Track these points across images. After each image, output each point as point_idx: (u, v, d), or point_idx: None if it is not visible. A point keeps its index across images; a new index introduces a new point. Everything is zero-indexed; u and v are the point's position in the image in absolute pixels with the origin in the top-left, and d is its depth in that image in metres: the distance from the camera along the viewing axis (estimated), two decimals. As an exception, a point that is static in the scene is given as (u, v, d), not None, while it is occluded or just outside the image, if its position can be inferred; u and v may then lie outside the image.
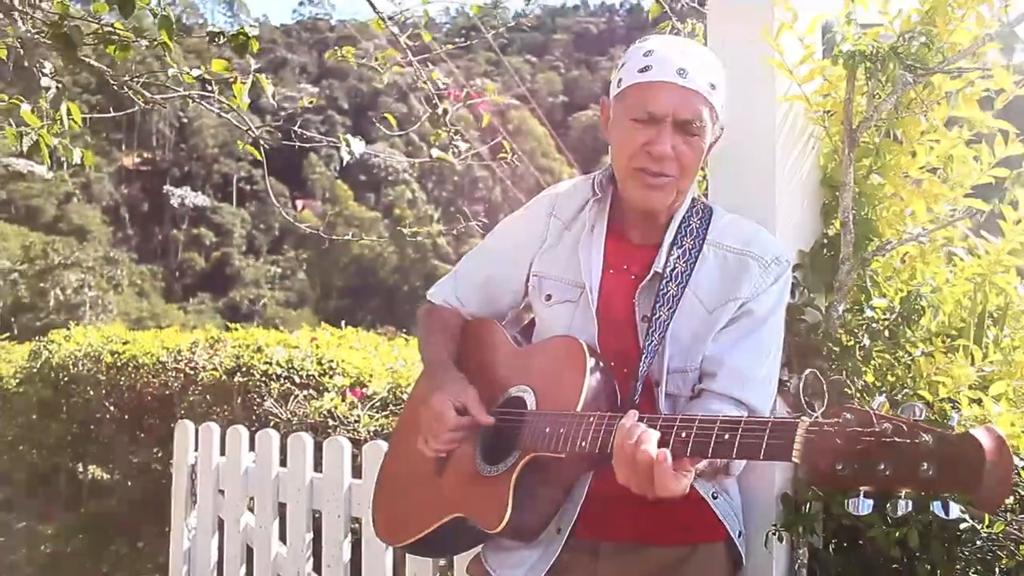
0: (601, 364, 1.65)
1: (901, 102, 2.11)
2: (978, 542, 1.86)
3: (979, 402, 1.99)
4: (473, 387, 1.79)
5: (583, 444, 1.49)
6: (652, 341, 1.68)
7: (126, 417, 5.38)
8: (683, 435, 1.32)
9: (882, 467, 1.02)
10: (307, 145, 3.72)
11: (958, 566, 1.85)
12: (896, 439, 1.02)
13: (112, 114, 4.35)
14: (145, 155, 72.49)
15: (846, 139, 2.08)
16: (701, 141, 1.67)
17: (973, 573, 1.85)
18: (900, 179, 2.19)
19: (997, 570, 1.83)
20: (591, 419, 1.50)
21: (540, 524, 1.67)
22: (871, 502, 1.06)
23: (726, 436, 1.23)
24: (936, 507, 1.02)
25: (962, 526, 1.85)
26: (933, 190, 2.18)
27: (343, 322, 5.36)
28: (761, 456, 1.19)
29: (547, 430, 1.58)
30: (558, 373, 1.67)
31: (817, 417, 1.11)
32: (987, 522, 1.84)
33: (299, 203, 67.73)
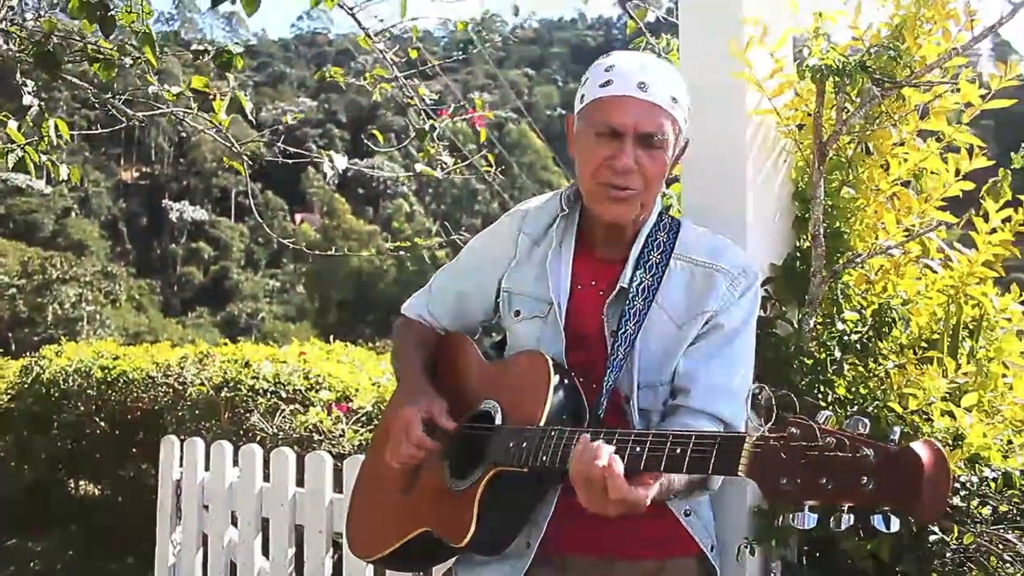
0: (566, 380, 1.66)
1: (871, 115, 2.12)
2: (948, 554, 1.86)
3: (951, 414, 2.00)
4: (443, 399, 1.80)
5: (544, 459, 1.50)
6: (617, 356, 1.69)
7: (116, 432, 5.37)
8: (637, 450, 1.32)
9: (824, 481, 1.03)
10: (291, 161, 3.74)
11: (929, 578, 1.86)
12: (838, 453, 1.02)
13: (100, 130, 4.37)
14: (144, 169, 72.64)
15: (816, 152, 2.09)
16: (664, 154, 1.69)
17: (944, 585, 1.86)
18: (872, 192, 2.20)
19: (967, 582, 1.84)
20: (552, 434, 1.51)
21: (506, 539, 1.68)
22: (816, 516, 1.07)
23: (677, 451, 1.23)
24: (877, 521, 1.03)
25: (931, 538, 1.86)
26: (905, 203, 2.20)
27: (331, 336, 5.37)
28: (710, 471, 1.19)
29: (511, 445, 1.58)
30: (523, 388, 1.68)
31: (764, 432, 1.12)
32: (956, 533, 1.84)
33: (298, 216, 67.86)
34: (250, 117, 3.12)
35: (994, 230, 2.21)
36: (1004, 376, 2.23)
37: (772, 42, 2.11)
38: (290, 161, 3.68)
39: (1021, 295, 2.30)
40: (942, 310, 2.24)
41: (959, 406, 2.00)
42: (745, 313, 1.76)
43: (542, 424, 1.57)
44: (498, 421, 1.71)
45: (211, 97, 2.99)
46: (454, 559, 1.88)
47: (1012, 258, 2.25)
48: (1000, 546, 1.83)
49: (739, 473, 1.13)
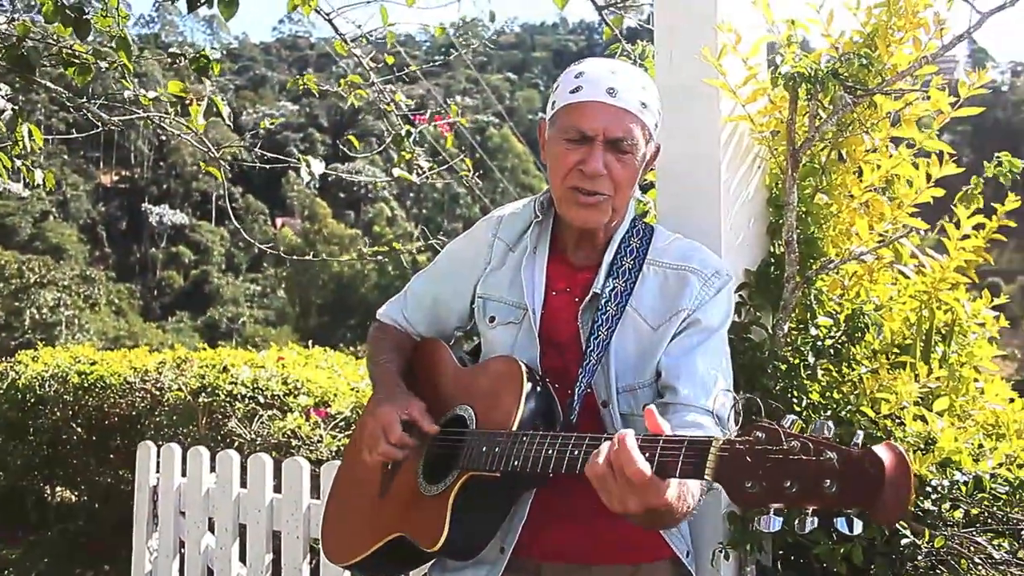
0: (539, 385, 1.67)
1: (843, 122, 2.14)
2: (919, 558, 1.88)
3: (923, 419, 2.02)
4: (421, 401, 1.80)
5: (516, 464, 1.50)
6: (590, 361, 1.70)
7: (94, 438, 5.33)
8: None
9: (788, 484, 1.04)
10: (270, 166, 3.73)
11: (901, 581, 1.87)
12: (802, 457, 1.03)
13: (77, 135, 4.34)
14: (123, 173, 72.10)
15: (789, 159, 2.11)
16: (634, 159, 1.70)
17: (915, 588, 1.87)
18: (845, 198, 2.23)
19: (938, 585, 1.85)
20: (525, 439, 1.52)
21: (478, 543, 1.68)
22: (781, 520, 1.08)
23: (645, 455, 1.24)
24: (840, 523, 1.04)
25: (904, 542, 1.88)
26: (877, 209, 2.22)
27: (311, 342, 5.35)
28: (677, 474, 1.20)
29: (483, 449, 1.59)
30: (496, 393, 1.68)
31: (731, 436, 1.13)
32: (927, 537, 1.86)
33: (278, 221, 67.57)
34: (227, 122, 3.11)
35: (966, 236, 2.24)
36: (976, 381, 2.26)
37: (746, 49, 2.13)
38: (267, 167, 3.67)
39: (993, 300, 2.33)
40: (915, 315, 2.26)
41: (931, 410, 2.03)
42: (722, 313, 1.77)
43: (515, 429, 1.57)
44: (471, 426, 1.72)
45: (188, 102, 2.98)
46: (429, 564, 1.88)
47: (986, 263, 2.28)
48: (971, 549, 1.85)
49: (706, 477, 1.14)
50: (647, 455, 1.24)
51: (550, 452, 1.45)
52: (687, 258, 1.79)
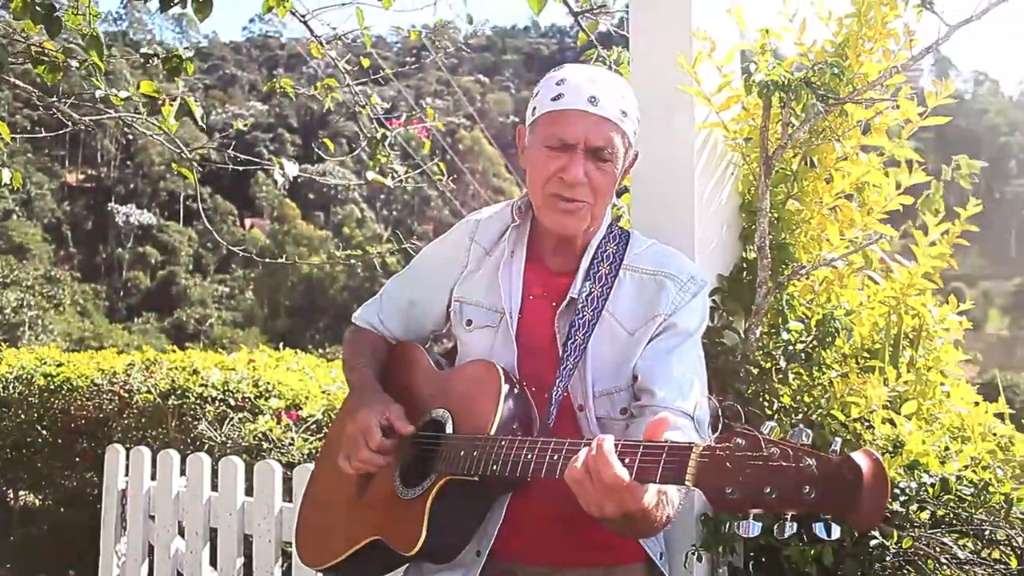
0: (516, 389, 1.67)
1: (815, 130, 2.18)
2: (888, 558, 1.91)
3: (892, 422, 2.06)
4: (399, 404, 1.80)
5: (495, 468, 1.51)
6: (567, 365, 1.71)
7: (59, 441, 5.26)
8: None
9: (768, 490, 1.06)
10: (243, 167, 3.70)
11: (870, 582, 1.90)
12: (782, 463, 1.05)
13: (44, 134, 4.29)
14: (89, 172, 71.14)
15: (762, 165, 2.14)
16: (613, 167, 1.71)
17: (884, 589, 1.91)
18: (816, 204, 2.26)
19: (906, 584, 1.89)
20: (503, 443, 1.52)
21: (456, 547, 1.69)
22: (760, 524, 1.09)
23: (625, 460, 1.25)
24: (819, 528, 1.06)
25: (872, 543, 1.91)
26: (847, 215, 2.25)
27: (282, 344, 5.32)
28: (657, 479, 1.21)
29: (461, 453, 1.59)
30: (474, 397, 1.69)
31: (710, 442, 1.14)
32: (895, 538, 1.89)
33: (247, 221, 67.02)
34: (202, 123, 3.09)
35: (933, 243, 2.28)
36: (942, 384, 2.30)
37: (720, 57, 2.16)
38: (241, 167, 3.64)
39: (959, 305, 2.37)
40: (883, 320, 2.30)
41: (899, 414, 2.06)
42: (697, 318, 1.79)
43: (493, 433, 1.58)
44: (449, 430, 1.72)
45: (160, 102, 2.95)
46: (404, 568, 1.88)
47: (949, 268, 2.32)
48: (937, 549, 1.88)
49: (686, 482, 1.15)
50: (628, 460, 1.25)
51: (529, 456, 1.46)
52: (663, 264, 1.81)
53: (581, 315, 1.75)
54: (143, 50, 3.36)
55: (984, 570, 1.87)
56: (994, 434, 2.20)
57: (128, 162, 69.92)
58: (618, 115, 1.69)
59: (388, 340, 2.06)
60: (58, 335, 39.61)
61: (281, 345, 5.31)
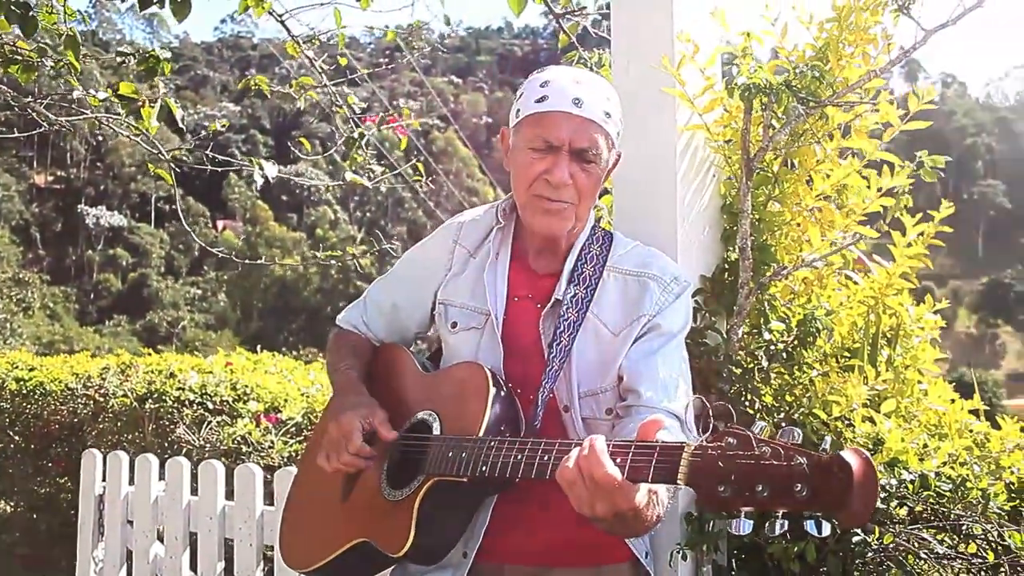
0: (503, 391, 1.68)
1: (796, 132, 2.20)
2: (869, 554, 1.94)
3: (871, 420, 2.09)
4: (383, 409, 1.80)
5: (484, 469, 1.51)
6: (552, 367, 1.72)
7: (32, 447, 5.20)
8: None
9: (760, 488, 1.07)
10: (219, 169, 3.68)
11: (852, 577, 1.93)
12: (773, 462, 1.07)
13: (16, 135, 4.23)
14: (58, 173, 70.24)
15: (744, 168, 2.16)
16: (597, 168, 1.73)
17: (866, 584, 1.93)
18: (797, 207, 2.28)
19: (888, 580, 1.91)
20: (492, 444, 1.53)
21: (443, 548, 1.69)
22: (751, 522, 1.11)
23: (617, 460, 1.26)
24: (810, 526, 1.07)
25: (854, 540, 1.93)
26: (828, 217, 2.28)
27: (259, 347, 5.29)
28: (650, 479, 1.22)
29: (450, 455, 1.59)
30: (462, 399, 1.69)
31: (702, 441, 1.16)
32: (877, 534, 1.92)
33: (220, 223, 66.51)
34: (182, 124, 3.06)
35: (910, 244, 2.31)
36: (919, 383, 2.34)
37: (703, 60, 2.17)
38: (218, 169, 3.62)
39: (935, 305, 2.41)
40: (862, 320, 2.33)
41: (879, 412, 2.09)
42: (681, 318, 1.80)
43: (481, 434, 1.59)
44: (436, 431, 1.72)
45: (139, 104, 2.93)
46: (391, 569, 1.88)
47: (923, 268, 2.35)
48: (916, 545, 1.91)
49: (678, 481, 1.16)
50: (619, 460, 1.26)
51: (519, 457, 1.46)
52: (647, 265, 1.82)
53: (566, 316, 1.75)
54: (119, 49, 3.32)
55: (962, 564, 1.90)
56: (970, 431, 2.24)
57: (98, 163, 69.14)
58: (602, 117, 1.71)
59: (372, 342, 2.06)
60: (27, 338, 39.08)
61: (258, 348, 5.27)
